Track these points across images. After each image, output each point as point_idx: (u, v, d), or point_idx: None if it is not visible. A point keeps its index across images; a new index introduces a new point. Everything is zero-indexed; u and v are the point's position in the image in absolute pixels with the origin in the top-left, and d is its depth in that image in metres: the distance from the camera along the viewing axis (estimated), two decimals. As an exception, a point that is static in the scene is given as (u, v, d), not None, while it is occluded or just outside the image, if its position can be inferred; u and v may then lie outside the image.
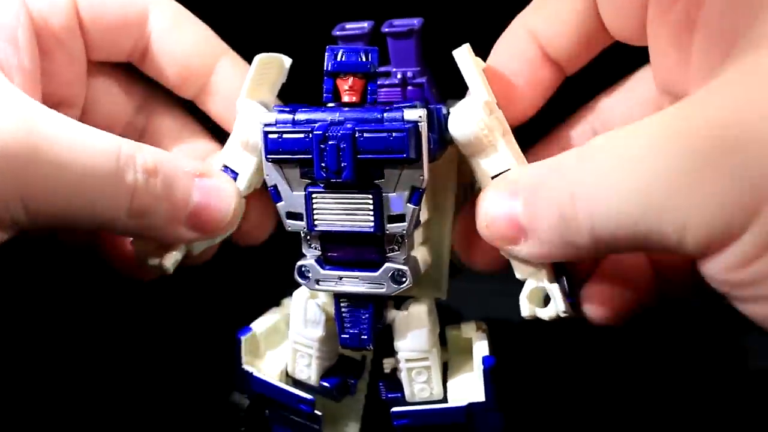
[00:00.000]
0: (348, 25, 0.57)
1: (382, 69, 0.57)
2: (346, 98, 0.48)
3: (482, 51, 0.53)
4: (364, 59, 0.48)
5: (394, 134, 0.45)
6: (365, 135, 0.45)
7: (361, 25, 0.57)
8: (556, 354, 0.76)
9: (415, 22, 0.55)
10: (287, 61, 0.56)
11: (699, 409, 0.67)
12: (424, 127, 0.45)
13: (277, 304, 0.61)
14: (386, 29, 0.55)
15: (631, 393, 0.70)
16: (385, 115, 0.46)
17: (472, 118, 0.48)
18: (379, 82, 0.56)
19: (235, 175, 0.56)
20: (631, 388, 0.71)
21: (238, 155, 0.56)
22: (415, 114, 0.45)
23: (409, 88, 0.56)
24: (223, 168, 0.56)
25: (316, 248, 0.51)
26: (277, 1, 0.74)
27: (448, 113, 0.51)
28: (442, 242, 0.55)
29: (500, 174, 0.49)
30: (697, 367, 0.74)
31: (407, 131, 0.45)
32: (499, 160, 0.49)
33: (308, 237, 0.51)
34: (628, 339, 0.77)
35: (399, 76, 0.56)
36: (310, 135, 0.46)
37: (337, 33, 0.57)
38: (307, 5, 0.73)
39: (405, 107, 0.46)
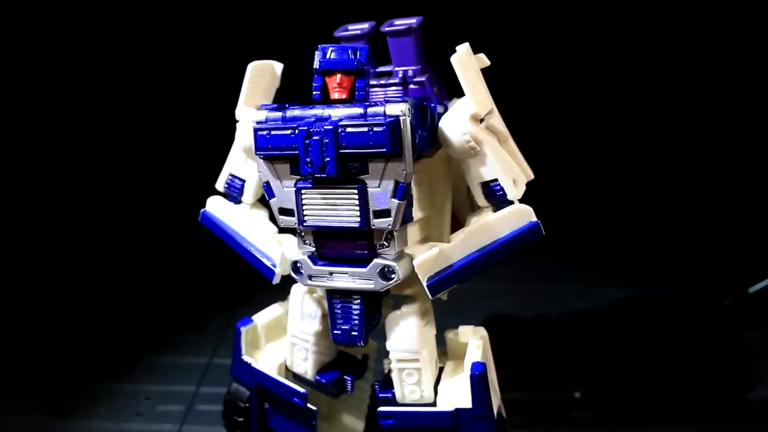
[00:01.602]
0: (350, 26, 0.58)
1: (384, 68, 0.58)
2: (335, 95, 0.49)
3: (485, 49, 0.53)
4: (351, 56, 0.49)
5: (374, 128, 0.45)
6: (347, 130, 0.46)
7: (362, 26, 0.58)
8: (558, 357, 0.75)
9: (414, 20, 0.55)
10: (278, 67, 0.58)
11: (698, 411, 0.65)
12: (405, 122, 0.45)
13: (284, 296, 0.61)
14: (386, 28, 0.55)
15: (630, 394, 0.68)
16: (368, 110, 0.46)
17: (457, 129, 0.48)
18: (381, 82, 0.57)
19: (242, 182, 0.58)
20: (630, 389, 0.69)
21: (243, 163, 0.58)
22: (397, 109, 0.45)
23: (411, 86, 0.56)
24: (229, 177, 0.59)
25: (309, 244, 0.52)
26: (285, 7, 0.76)
27: (445, 110, 0.51)
28: (441, 241, 0.54)
29: (489, 182, 0.49)
30: (697, 367, 0.72)
31: (387, 125, 0.45)
32: (485, 170, 0.49)
33: (302, 233, 0.52)
34: (628, 341, 0.76)
35: (400, 75, 0.56)
36: (296, 131, 0.47)
37: (339, 34, 0.58)
38: (311, 9, 0.74)
39: (389, 102, 0.46)
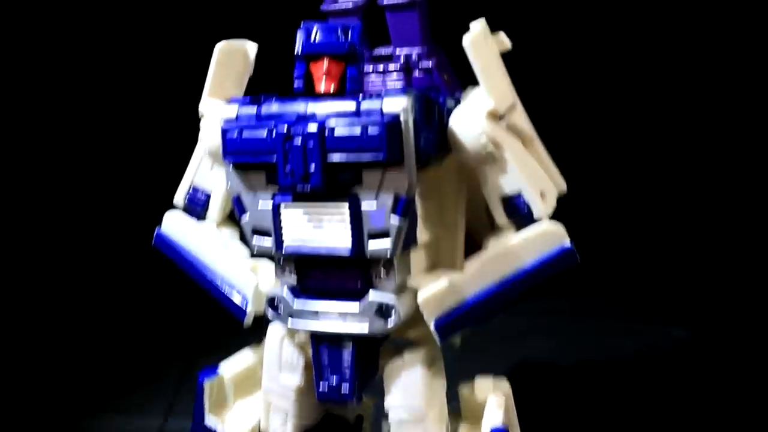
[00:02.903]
0: (340, -2, 0.60)
1: (382, 51, 0.60)
2: (321, 86, 0.51)
3: (507, 25, 0.55)
4: (341, 38, 0.51)
5: (368, 129, 0.47)
6: (336, 131, 0.48)
7: (354, -3, 0.60)
8: (604, 417, 0.76)
9: None
10: (252, 48, 0.60)
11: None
12: (407, 121, 0.47)
13: (259, 339, 0.62)
14: (384, 1, 0.58)
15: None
16: (362, 105, 0.48)
17: (471, 130, 0.50)
18: (379, 68, 0.59)
19: (207, 195, 0.60)
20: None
21: (208, 170, 0.60)
22: (397, 104, 0.47)
23: (415, 73, 0.58)
24: (191, 189, 0.61)
25: (290, 273, 0.53)
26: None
27: (457, 106, 0.53)
28: (454, 267, 0.56)
29: (512, 196, 0.51)
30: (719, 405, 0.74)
31: (384, 125, 0.47)
32: (506, 180, 0.51)
33: (281, 260, 0.54)
34: (696, 396, 0.77)
35: (402, 59, 0.58)
36: (274, 132, 0.49)
37: (327, 7, 0.60)
38: None
39: (388, 96, 0.48)
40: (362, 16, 0.59)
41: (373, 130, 0.47)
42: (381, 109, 0.47)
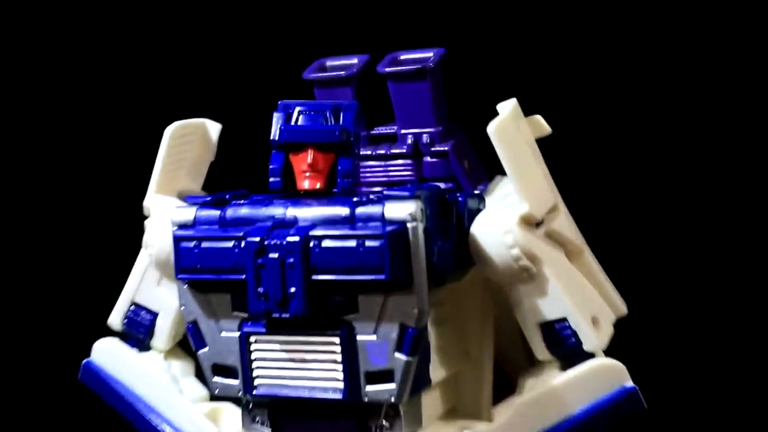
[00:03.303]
0: (329, 63, 0.61)
1: (384, 130, 0.60)
2: (305, 183, 0.52)
3: (538, 98, 0.55)
4: (330, 122, 0.51)
5: (366, 242, 0.47)
6: (323, 244, 0.48)
7: (349, 62, 0.61)
8: None
9: (431, 55, 0.58)
10: (214, 130, 0.61)
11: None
12: (416, 231, 0.48)
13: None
14: (386, 69, 0.58)
15: None
16: (357, 210, 0.48)
17: (500, 240, 0.51)
18: (379, 152, 0.59)
19: (152, 316, 0.61)
20: None
21: (154, 285, 0.61)
22: (403, 209, 0.48)
23: (427, 159, 0.59)
24: (132, 308, 0.61)
25: (261, 423, 0.53)
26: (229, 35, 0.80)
27: (481, 205, 0.53)
28: (477, 417, 0.56)
29: (553, 322, 0.51)
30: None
31: (386, 238, 0.47)
32: (546, 303, 0.51)
33: (249, 404, 0.53)
34: None
35: (409, 140, 0.59)
36: (243, 243, 0.49)
37: (312, 76, 0.61)
38: (270, 33, 0.78)
39: (391, 197, 0.49)
40: (356, 87, 0.60)
41: (371, 243, 0.47)
42: (382, 215, 0.48)
